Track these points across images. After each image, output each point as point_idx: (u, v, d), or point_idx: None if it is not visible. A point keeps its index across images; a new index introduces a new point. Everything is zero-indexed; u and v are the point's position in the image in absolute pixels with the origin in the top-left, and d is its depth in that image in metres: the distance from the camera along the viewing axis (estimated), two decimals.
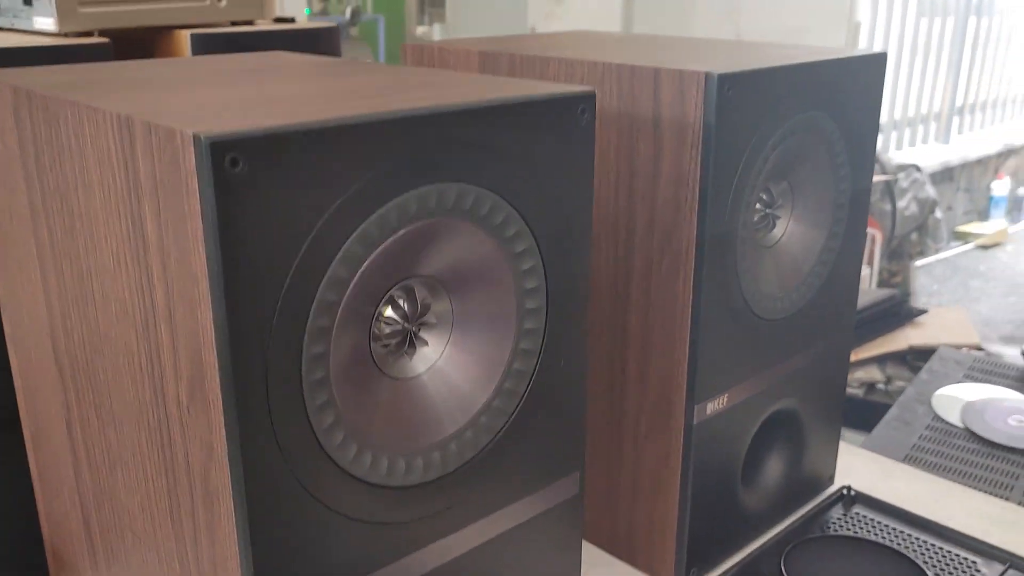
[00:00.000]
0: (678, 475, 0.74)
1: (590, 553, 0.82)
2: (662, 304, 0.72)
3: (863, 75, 0.77)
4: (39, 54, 0.77)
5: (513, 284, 0.55)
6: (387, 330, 0.52)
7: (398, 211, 0.47)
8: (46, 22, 0.90)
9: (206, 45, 0.91)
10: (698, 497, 0.75)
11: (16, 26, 0.93)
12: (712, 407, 0.73)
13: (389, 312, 0.52)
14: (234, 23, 0.96)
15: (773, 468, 0.85)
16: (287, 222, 0.43)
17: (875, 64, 0.78)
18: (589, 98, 0.55)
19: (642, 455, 0.76)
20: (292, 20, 1.01)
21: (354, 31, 3.47)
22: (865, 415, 1.63)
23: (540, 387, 0.58)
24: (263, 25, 0.97)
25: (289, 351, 0.45)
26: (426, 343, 0.54)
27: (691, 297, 0.70)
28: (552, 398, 0.59)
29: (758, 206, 0.76)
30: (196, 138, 0.40)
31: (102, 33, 0.88)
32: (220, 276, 0.41)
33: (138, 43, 0.93)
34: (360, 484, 0.50)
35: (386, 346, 0.52)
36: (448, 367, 0.55)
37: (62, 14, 0.88)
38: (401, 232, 0.48)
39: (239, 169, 0.41)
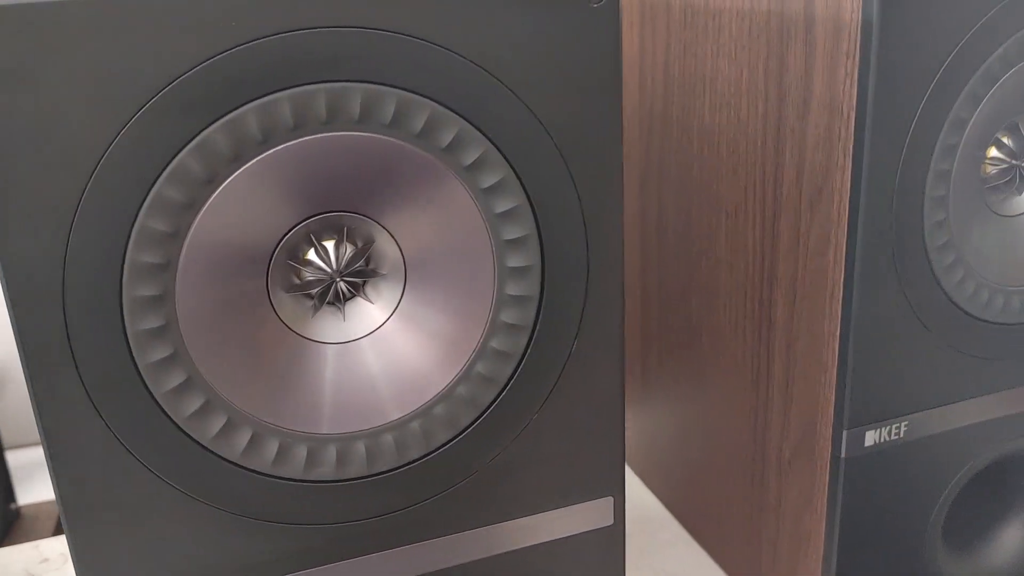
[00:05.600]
0: (823, 523, 0.54)
1: None
2: (810, 286, 0.51)
3: None
4: None
5: (488, 233, 0.40)
6: (310, 278, 0.40)
7: (262, 119, 0.35)
8: None
9: None
10: (851, 555, 0.54)
11: None
12: (875, 436, 0.52)
13: (313, 255, 0.40)
14: None
15: (1007, 534, 0.60)
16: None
17: None
18: None
19: (786, 488, 0.57)
20: None
21: None
22: None
23: (531, 377, 0.42)
24: None
25: (103, 290, 0.35)
26: (370, 302, 0.41)
27: (842, 277, 0.49)
28: (553, 392, 0.43)
29: (995, 152, 0.52)
30: None
31: None
32: None
33: None
34: (239, 472, 0.39)
35: (310, 297, 0.40)
36: (394, 336, 0.41)
37: None
38: (280, 147, 0.36)
39: None
